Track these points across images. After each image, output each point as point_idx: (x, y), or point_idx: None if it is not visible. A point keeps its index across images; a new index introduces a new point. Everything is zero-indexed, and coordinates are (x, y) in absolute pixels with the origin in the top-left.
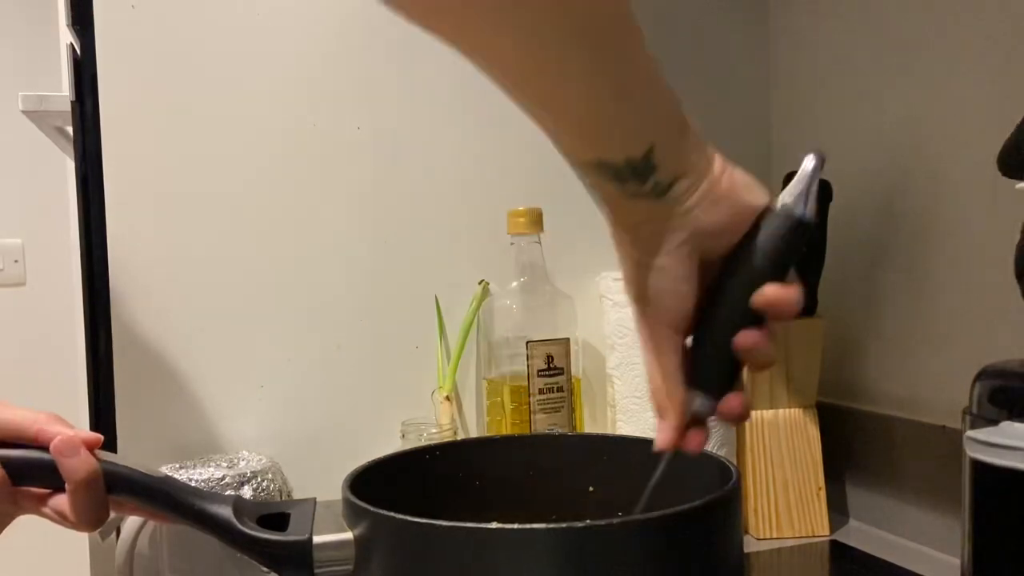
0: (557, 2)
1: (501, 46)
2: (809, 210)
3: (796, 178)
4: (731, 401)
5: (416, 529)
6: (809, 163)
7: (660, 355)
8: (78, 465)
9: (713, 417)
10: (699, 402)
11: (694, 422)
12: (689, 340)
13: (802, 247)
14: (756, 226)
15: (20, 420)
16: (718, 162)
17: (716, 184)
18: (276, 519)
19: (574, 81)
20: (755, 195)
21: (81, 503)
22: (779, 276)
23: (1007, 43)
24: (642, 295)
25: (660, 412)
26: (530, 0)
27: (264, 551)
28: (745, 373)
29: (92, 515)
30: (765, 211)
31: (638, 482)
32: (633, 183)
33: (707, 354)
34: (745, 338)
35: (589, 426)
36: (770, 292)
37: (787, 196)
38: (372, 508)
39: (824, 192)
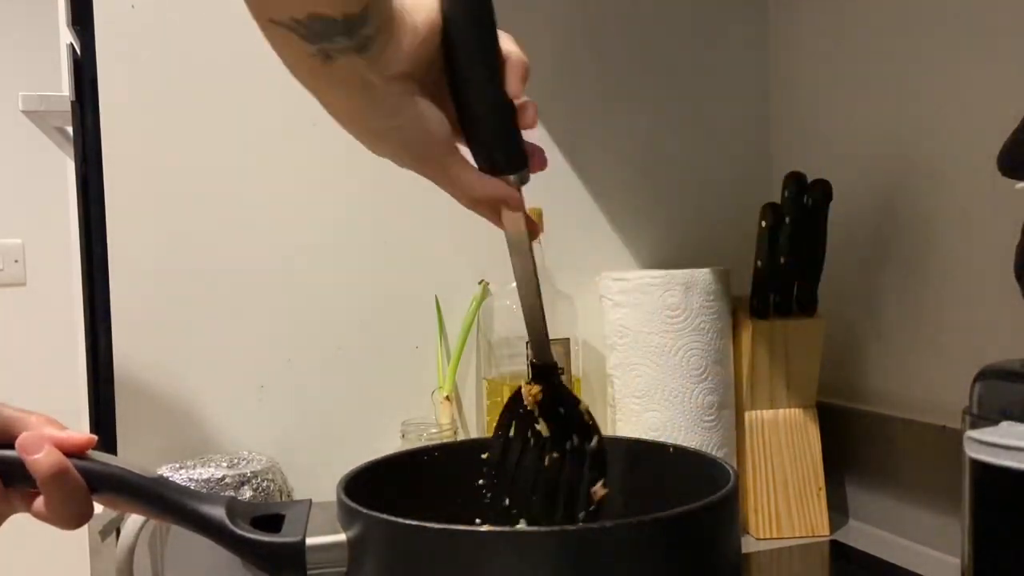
0: None
1: None
2: None
3: None
4: (537, 155)
5: (408, 531)
6: None
7: (462, 173)
8: (41, 461)
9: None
10: (515, 178)
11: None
12: None
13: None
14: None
15: (12, 422)
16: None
17: (403, 21)
18: (271, 520)
19: None
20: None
21: (53, 500)
22: (491, 31)
23: (1008, 43)
24: (412, 143)
25: (503, 203)
26: None
27: (257, 552)
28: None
29: (67, 513)
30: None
31: (640, 483)
32: (341, 39)
33: (492, 141)
34: (526, 109)
35: None
36: (514, 75)
37: None
38: (364, 510)
39: (824, 192)
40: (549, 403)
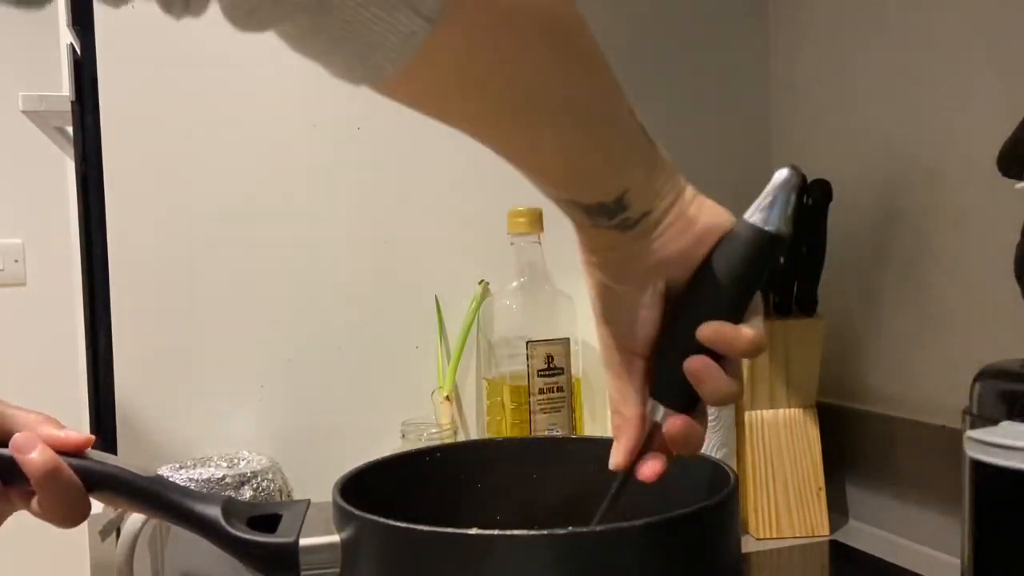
0: (545, 75)
1: (483, 113)
2: (773, 222)
3: (763, 192)
4: (672, 422)
5: (399, 533)
6: (779, 176)
7: (620, 376)
8: (34, 460)
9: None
10: (659, 414)
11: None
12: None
13: (767, 261)
14: (716, 247)
15: (11, 420)
16: (688, 191)
17: (684, 212)
18: (268, 520)
19: (554, 136)
20: (721, 218)
21: (47, 499)
22: (741, 295)
23: (1007, 43)
24: (607, 317)
25: (617, 431)
26: (519, 78)
27: (251, 552)
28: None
29: (62, 512)
30: (729, 232)
31: (639, 485)
32: (602, 219)
33: (664, 374)
34: (692, 362)
35: (589, 426)
36: (711, 328)
37: (751, 212)
38: (357, 512)
39: (824, 192)
40: None
